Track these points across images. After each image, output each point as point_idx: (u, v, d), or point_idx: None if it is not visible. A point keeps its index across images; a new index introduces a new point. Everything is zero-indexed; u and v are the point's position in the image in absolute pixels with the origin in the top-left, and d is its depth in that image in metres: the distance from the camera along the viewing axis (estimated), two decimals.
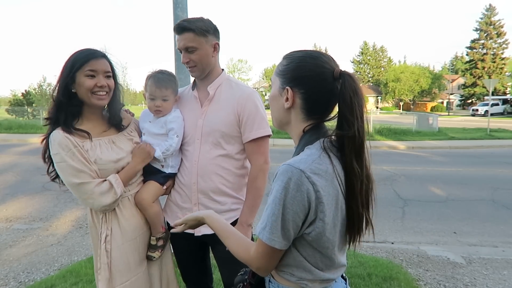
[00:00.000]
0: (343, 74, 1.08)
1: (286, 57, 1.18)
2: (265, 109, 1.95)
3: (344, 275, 1.27)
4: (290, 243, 1.07)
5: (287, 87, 1.13)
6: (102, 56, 1.71)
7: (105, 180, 1.69)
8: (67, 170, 1.62)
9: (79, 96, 1.68)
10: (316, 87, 1.10)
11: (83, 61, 1.65)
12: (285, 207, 1.01)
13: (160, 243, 1.89)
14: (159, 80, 1.87)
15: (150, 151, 1.84)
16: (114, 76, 1.76)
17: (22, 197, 6.52)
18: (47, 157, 1.71)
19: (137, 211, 1.82)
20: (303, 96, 1.12)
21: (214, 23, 1.87)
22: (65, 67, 1.66)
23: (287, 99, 1.14)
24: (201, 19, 1.82)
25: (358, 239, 1.16)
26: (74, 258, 3.99)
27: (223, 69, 1.98)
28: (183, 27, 1.78)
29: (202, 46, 1.81)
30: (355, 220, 1.10)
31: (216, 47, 1.88)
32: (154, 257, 1.87)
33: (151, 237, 1.88)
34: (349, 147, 1.07)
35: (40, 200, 6.35)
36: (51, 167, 1.74)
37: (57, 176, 1.77)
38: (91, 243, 1.84)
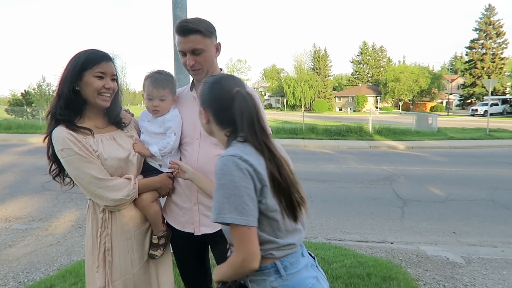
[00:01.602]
0: (237, 94, 1.33)
1: (203, 82, 1.45)
2: (265, 108, 1.95)
3: (312, 254, 1.48)
4: (256, 219, 1.24)
5: (201, 109, 1.44)
6: (111, 59, 1.76)
7: (122, 177, 1.74)
8: (80, 162, 1.64)
9: (83, 95, 1.71)
10: (220, 108, 1.38)
11: (96, 62, 1.68)
12: (235, 187, 1.20)
13: (162, 241, 1.90)
14: (156, 80, 1.88)
15: (146, 152, 1.88)
16: (117, 80, 1.80)
17: (21, 197, 6.51)
18: (50, 154, 1.72)
19: (135, 210, 1.82)
20: (213, 114, 1.40)
21: (213, 23, 1.87)
22: (75, 64, 1.68)
23: (203, 117, 1.44)
24: (203, 20, 1.80)
25: (300, 209, 1.33)
26: (73, 258, 3.98)
27: (221, 69, 1.98)
28: (190, 28, 1.74)
29: (208, 47, 1.80)
30: (291, 195, 1.30)
31: (218, 48, 1.88)
32: (157, 256, 1.89)
33: (153, 236, 1.89)
34: (254, 147, 1.29)
35: (40, 200, 6.34)
36: (53, 165, 1.76)
37: (58, 174, 1.78)
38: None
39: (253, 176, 1.23)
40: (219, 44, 1.88)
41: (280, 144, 1.45)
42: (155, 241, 1.88)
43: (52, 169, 1.77)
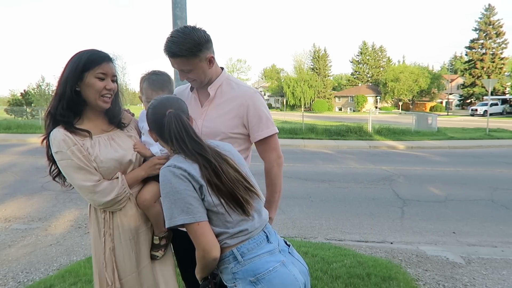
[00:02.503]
0: (167, 115, 1.47)
1: (148, 107, 1.59)
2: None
3: (287, 242, 1.58)
4: (204, 214, 1.38)
5: (148, 130, 1.60)
6: (112, 60, 1.75)
7: (110, 178, 1.72)
8: (69, 168, 1.64)
9: (83, 96, 1.70)
10: (159, 129, 1.51)
11: (97, 63, 1.67)
12: (177, 192, 1.35)
13: (163, 242, 1.90)
14: (154, 83, 1.89)
15: (146, 153, 1.85)
16: (116, 80, 1.80)
17: (21, 197, 6.51)
18: (50, 155, 1.72)
19: (137, 211, 1.82)
20: (156, 134, 1.55)
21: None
22: (76, 64, 1.67)
23: (153, 137, 1.61)
24: (190, 37, 1.71)
25: (245, 203, 1.44)
26: (73, 258, 3.98)
27: (222, 68, 1.97)
28: (173, 53, 1.72)
29: (195, 66, 1.77)
30: (235, 194, 1.42)
31: (211, 60, 1.82)
32: (158, 256, 1.89)
33: (154, 237, 1.88)
34: (188, 157, 1.43)
35: (39, 200, 6.34)
36: (53, 166, 1.76)
37: (58, 174, 1.78)
38: (89, 243, 1.85)
39: (189, 178, 1.37)
40: (212, 57, 1.82)
41: (229, 146, 1.62)
42: (156, 241, 1.88)
43: (52, 170, 1.78)
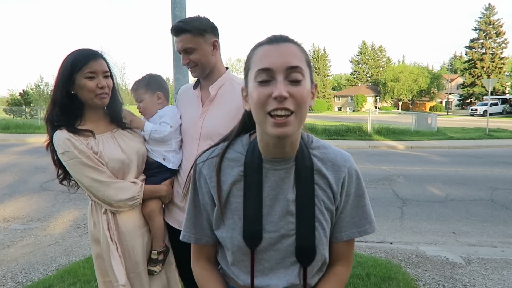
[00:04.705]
0: None
1: None
2: None
3: None
4: None
5: None
6: (100, 56, 1.71)
7: (126, 179, 1.74)
8: (79, 166, 1.63)
9: (80, 98, 1.69)
10: None
11: (83, 63, 1.65)
12: None
13: (161, 257, 1.89)
14: (132, 87, 1.98)
15: (140, 126, 1.91)
16: (111, 75, 1.77)
17: (20, 197, 6.50)
18: (56, 159, 1.71)
19: (135, 214, 1.81)
20: None
21: (212, 21, 1.85)
22: (64, 69, 1.66)
23: None
24: (197, 18, 1.79)
25: None
26: (72, 258, 3.97)
27: (227, 68, 1.95)
28: (180, 29, 1.76)
29: (200, 46, 1.77)
30: None
31: (215, 45, 1.83)
32: (155, 272, 1.86)
33: (152, 251, 1.87)
34: None
35: (38, 200, 6.33)
36: (59, 170, 1.75)
37: (65, 178, 1.77)
38: (88, 243, 1.84)
39: None
40: (216, 41, 1.83)
41: None
42: (154, 256, 1.86)
43: (59, 174, 1.77)
